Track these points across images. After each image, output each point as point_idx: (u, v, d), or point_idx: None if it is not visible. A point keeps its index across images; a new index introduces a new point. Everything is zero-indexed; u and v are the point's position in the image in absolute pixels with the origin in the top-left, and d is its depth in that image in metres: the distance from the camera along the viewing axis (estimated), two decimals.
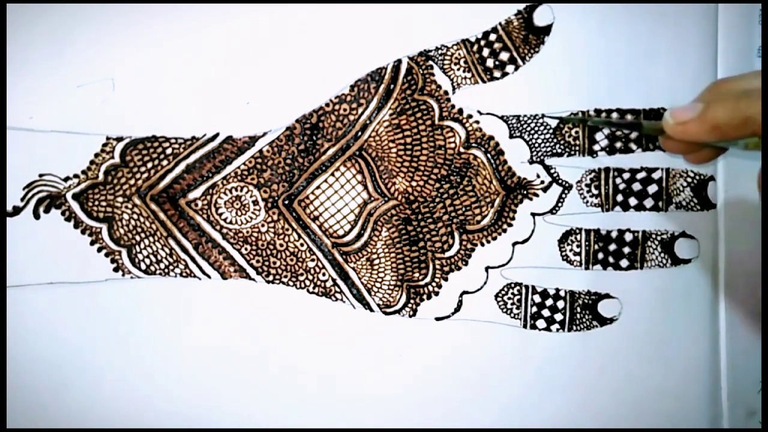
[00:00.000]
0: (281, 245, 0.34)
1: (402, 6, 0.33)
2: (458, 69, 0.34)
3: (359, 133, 0.34)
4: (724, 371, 0.37)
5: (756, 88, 0.26)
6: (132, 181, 0.33)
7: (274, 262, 0.34)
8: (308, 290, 0.34)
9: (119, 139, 0.32)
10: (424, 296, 0.34)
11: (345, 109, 0.33)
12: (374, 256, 0.34)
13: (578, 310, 0.35)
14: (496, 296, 0.35)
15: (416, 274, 0.34)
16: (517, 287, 0.35)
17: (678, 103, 0.35)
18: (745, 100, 0.25)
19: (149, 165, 0.33)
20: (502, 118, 0.34)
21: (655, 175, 0.35)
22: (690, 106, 0.27)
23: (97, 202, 0.32)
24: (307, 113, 0.33)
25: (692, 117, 0.27)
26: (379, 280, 0.34)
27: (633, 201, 0.35)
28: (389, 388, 0.34)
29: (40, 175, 0.32)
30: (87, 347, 0.32)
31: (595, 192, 0.35)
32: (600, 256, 0.35)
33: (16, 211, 0.32)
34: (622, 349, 0.35)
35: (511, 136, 0.34)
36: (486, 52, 0.34)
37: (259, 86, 0.33)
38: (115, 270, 0.33)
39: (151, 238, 0.33)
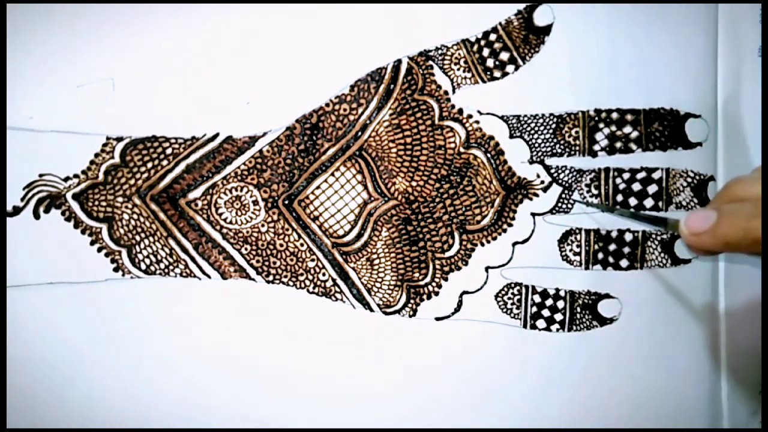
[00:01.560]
0: (281, 245, 0.34)
1: (402, 6, 0.33)
2: (458, 69, 0.34)
3: (359, 133, 0.34)
4: (724, 371, 0.37)
5: None
6: (132, 181, 0.33)
7: (274, 262, 0.34)
8: (308, 290, 0.34)
9: (119, 139, 0.32)
10: (424, 296, 0.34)
11: (345, 109, 0.33)
12: (374, 256, 0.34)
13: (578, 310, 0.35)
14: (496, 296, 0.35)
15: (416, 274, 0.34)
16: (517, 287, 0.35)
17: (678, 103, 0.35)
18: (755, 221, 0.25)
19: (149, 165, 0.33)
20: (502, 118, 0.34)
21: (655, 175, 0.35)
22: (704, 215, 0.27)
23: (97, 202, 0.32)
24: (307, 113, 0.33)
25: (705, 230, 0.27)
26: (379, 280, 0.34)
27: (633, 201, 0.35)
28: (389, 388, 0.34)
29: (40, 175, 0.32)
30: (87, 347, 0.32)
31: (595, 192, 0.35)
32: (600, 256, 0.35)
33: (16, 211, 0.32)
34: (622, 349, 0.35)
35: (511, 136, 0.34)
36: (486, 52, 0.34)
37: (259, 86, 0.33)
38: (115, 270, 0.33)
39: (151, 238, 0.33)
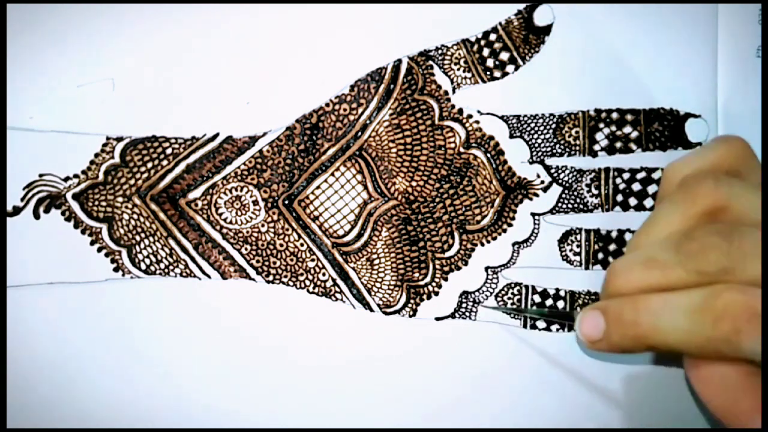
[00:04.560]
0: (281, 245, 0.34)
1: (402, 6, 0.33)
2: (458, 69, 0.34)
3: (359, 133, 0.34)
4: None
5: (646, 288, 0.24)
6: (132, 181, 0.33)
7: (274, 262, 0.34)
8: (308, 290, 0.34)
9: (119, 139, 0.32)
10: (424, 296, 0.34)
11: (345, 109, 0.33)
12: (374, 256, 0.34)
13: (578, 310, 0.35)
14: (496, 296, 0.35)
15: (416, 274, 0.34)
16: (517, 287, 0.35)
17: (678, 103, 0.35)
18: (639, 327, 0.24)
19: (149, 165, 0.33)
20: (502, 118, 0.34)
21: (655, 175, 0.35)
22: (593, 321, 0.25)
23: (97, 202, 0.32)
24: (307, 113, 0.33)
25: (599, 338, 0.25)
26: (379, 280, 0.34)
27: (633, 201, 0.35)
28: (389, 388, 0.34)
29: (40, 175, 0.32)
30: (87, 347, 0.32)
31: (595, 192, 0.35)
32: (600, 256, 0.35)
33: (16, 211, 0.32)
34: None
35: (511, 136, 0.34)
36: (486, 52, 0.34)
37: (259, 86, 0.33)
38: (115, 270, 0.33)
39: (151, 238, 0.33)
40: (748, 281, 0.22)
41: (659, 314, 0.23)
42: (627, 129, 0.35)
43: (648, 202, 0.35)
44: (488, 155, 0.34)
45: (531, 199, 0.35)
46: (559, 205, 0.35)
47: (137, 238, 0.33)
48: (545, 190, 0.35)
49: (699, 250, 0.23)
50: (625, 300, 0.25)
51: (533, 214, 0.35)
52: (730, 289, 0.22)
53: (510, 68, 0.34)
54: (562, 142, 0.35)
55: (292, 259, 0.34)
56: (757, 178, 0.27)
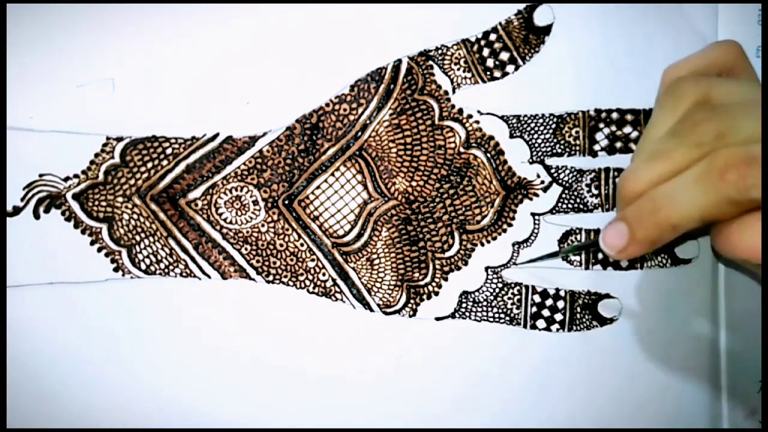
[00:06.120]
0: (281, 245, 0.34)
1: (402, 6, 0.33)
2: (458, 69, 0.34)
3: (359, 133, 0.34)
4: (724, 371, 0.37)
5: (656, 178, 0.25)
6: (132, 181, 0.33)
7: (274, 262, 0.34)
8: (308, 290, 0.34)
9: (119, 139, 0.32)
10: (424, 296, 0.34)
11: (345, 109, 0.33)
12: (374, 256, 0.34)
13: (578, 310, 0.35)
14: (496, 296, 0.35)
15: (416, 274, 0.34)
16: (517, 287, 0.35)
17: None
18: (660, 213, 0.25)
19: (149, 165, 0.33)
20: (502, 118, 0.34)
21: None
22: (615, 231, 0.26)
23: (97, 202, 0.32)
24: (307, 113, 0.33)
25: (625, 243, 0.26)
26: (379, 280, 0.34)
27: None
28: (389, 388, 0.34)
29: (40, 175, 0.32)
30: (87, 347, 0.32)
31: (595, 192, 0.35)
32: (600, 256, 0.35)
33: (16, 211, 0.32)
34: (622, 349, 0.35)
35: (511, 136, 0.34)
36: (486, 52, 0.34)
37: (259, 86, 0.33)
38: (115, 270, 0.33)
39: (151, 238, 0.33)
40: (744, 140, 0.24)
41: (673, 194, 0.25)
42: (627, 129, 0.35)
43: None
44: (488, 155, 0.34)
45: (531, 199, 0.35)
46: (559, 205, 0.35)
47: (137, 238, 0.33)
48: (545, 190, 0.35)
49: (691, 126, 0.25)
50: (641, 198, 0.26)
51: (533, 214, 0.35)
52: (726, 146, 0.24)
53: (510, 68, 0.34)
54: (562, 142, 0.35)
55: (292, 259, 0.34)
56: (747, 76, 0.29)
